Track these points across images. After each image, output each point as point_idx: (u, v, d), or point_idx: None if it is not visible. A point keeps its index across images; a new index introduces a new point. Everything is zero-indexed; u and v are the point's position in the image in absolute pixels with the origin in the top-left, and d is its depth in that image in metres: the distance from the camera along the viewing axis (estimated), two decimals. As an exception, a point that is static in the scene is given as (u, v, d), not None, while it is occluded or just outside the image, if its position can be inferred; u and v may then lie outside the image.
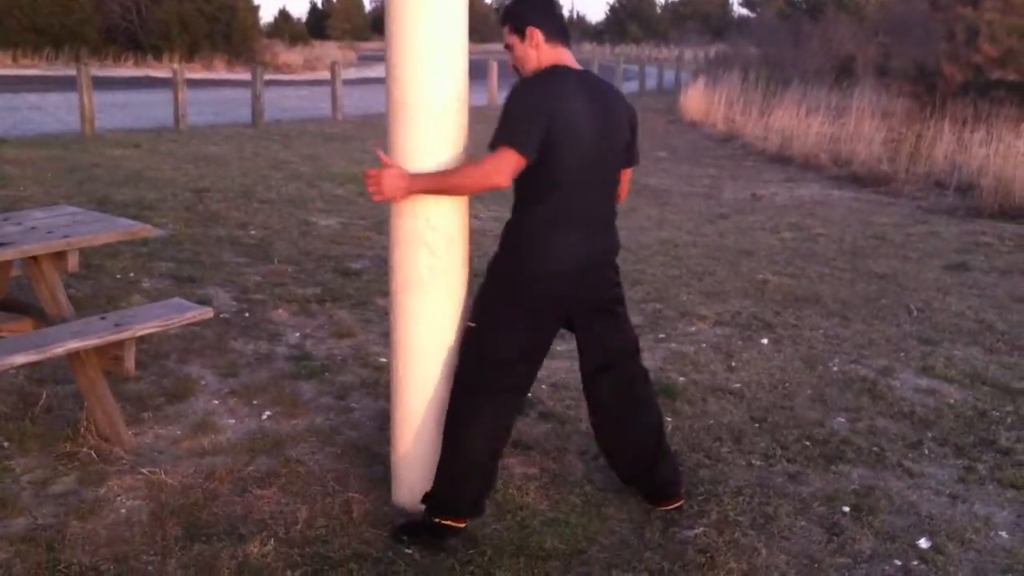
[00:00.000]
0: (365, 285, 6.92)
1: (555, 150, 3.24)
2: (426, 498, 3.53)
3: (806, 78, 22.79)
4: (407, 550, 3.42)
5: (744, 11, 77.81)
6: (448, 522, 3.46)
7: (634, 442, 3.77)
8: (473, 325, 3.48)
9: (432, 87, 3.28)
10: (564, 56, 3.42)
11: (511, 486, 3.90)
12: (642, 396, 3.78)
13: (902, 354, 5.80)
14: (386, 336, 5.58)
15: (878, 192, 13.02)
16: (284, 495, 3.80)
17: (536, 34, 3.38)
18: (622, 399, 3.73)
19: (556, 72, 3.35)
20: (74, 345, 3.83)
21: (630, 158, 3.61)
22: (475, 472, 3.48)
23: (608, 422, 3.79)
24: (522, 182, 3.33)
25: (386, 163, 3.32)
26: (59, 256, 4.32)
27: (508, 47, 3.46)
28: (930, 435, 4.63)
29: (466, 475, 3.47)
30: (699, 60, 43.72)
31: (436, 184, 3.28)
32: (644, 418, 3.77)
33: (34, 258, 4.23)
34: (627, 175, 3.70)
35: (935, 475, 4.20)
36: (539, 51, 3.40)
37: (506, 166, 3.20)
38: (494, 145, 3.24)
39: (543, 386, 5.04)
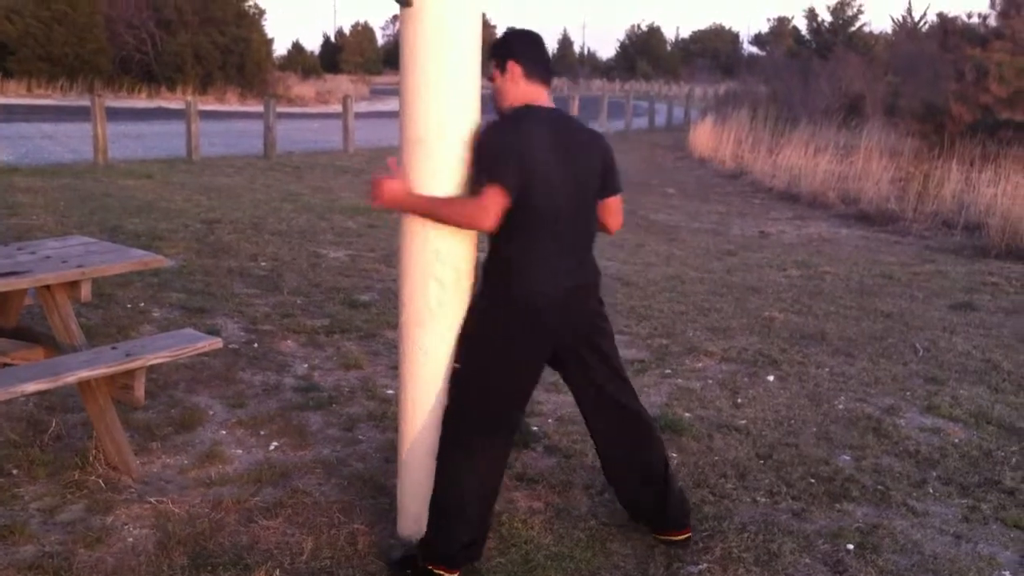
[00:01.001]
0: (373, 317, 6.95)
1: (527, 190, 3.27)
2: (421, 543, 3.53)
3: (815, 116, 22.90)
4: (412, 583, 3.44)
5: (754, 49, 78.19)
6: (439, 571, 3.43)
7: (639, 473, 3.78)
8: (459, 367, 3.48)
9: (446, 124, 3.33)
10: (540, 95, 3.46)
11: (516, 519, 3.92)
12: (641, 428, 3.77)
13: (907, 393, 5.81)
14: (393, 368, 5.62)
15: (885, 231, 13.05)
16: (290, 526, 3.82)
17: (515, 69, 3.43)
18: (621, 431, 3.73)
19: (527, 113, 3.39)
20: (85, 374, 3.87)
21: (609, 188, 3.60)
22: (464, 517, 3.44)
23: (611, 454, 3.79)
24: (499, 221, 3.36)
25: (394, 172, 3.40)
26: (72, 285, 4.36)
27: (491, 79, 3.51)
28: (935, 474, 4.64)
29: (456, 520, 3.44)
30: (708, 97, 43.91)
31: (429, 209, 3.34)
32: (646, 449, 3.77)
33: (47, 287, 4.27)
34: (616, 204, 3.67)
35: (939, 514, 4.21)
36: (516, 86, 3.44)
37: (493, 206, 3.24)
38: (478, 183, 3.28)
39: (549, 420, 5.06)
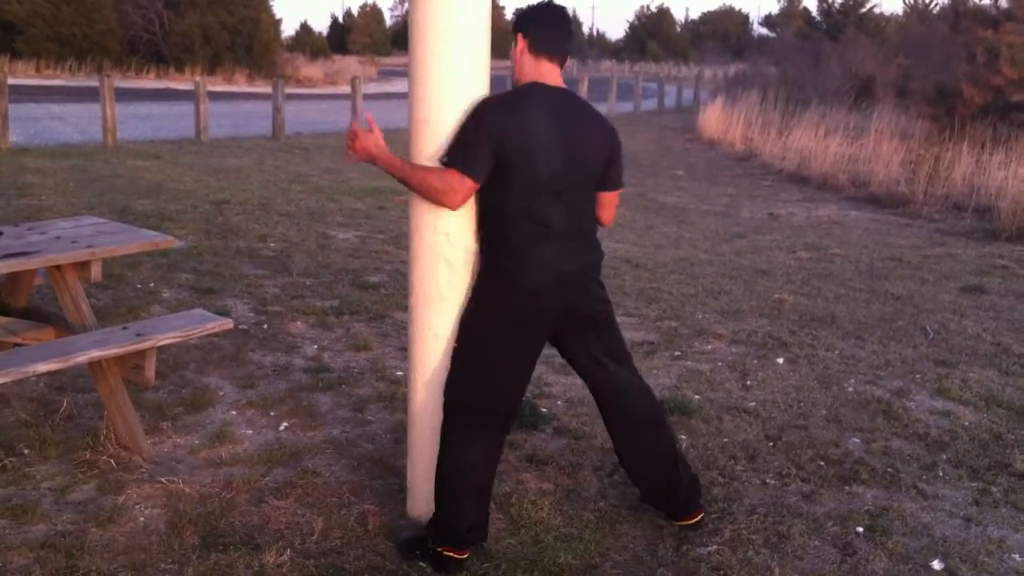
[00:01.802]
0: (382, 299, 6.96)
1: (515, 173, 3.24)
2: (428, 525, 3.54)
3: (825, 98, 22.79)
4: (421, 563, 3.45)
5: (764, 31, 77.82)
6: (449, 553, 3.43)
7: (650, 455, 3.77)
8: (457, 346, 3.48)
9: (454, 106, 3.33)
10: (548, 72, 3.40)
11: (526, 501, 3.92)
12: (645, 409, 3.75)
13: (917, 376, 5.80)
14: (402, 350, 5.63)
15: (896, 213, 13.01)
16: (300, 506, 3.83)
17: (521, 43, 3.40)
18: (626, 413, 3.72)
19: (528, 91, 3.35)
20: (96, 354, 3.88)
21: (610, 182, 3.56)
22: (469, 498, 3.45)
23: (620, 434, 3.79)
24: (488, 203, 3.35)
25: (372, 128, 3.38)
26: (83, 266, 4.36)
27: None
28: (945, 457, 4.64)
29: (461, 501, 3.44)
30: (718, 79, 43.73)
31: (398, 171, 3.34)
32: (653, 429, 3.76)
33: (58, 267, 4.28)
34: (613, 199, 3.62)
35: (949, 497, 4.20)
36: (522, 59, 3.41)
37: (458, 189, 3.24)
38: (448, 162, 3.27)
39: (558, 402, 5.06)
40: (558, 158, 3.31)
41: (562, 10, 3.49)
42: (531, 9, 3.48)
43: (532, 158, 3.25)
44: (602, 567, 3.51)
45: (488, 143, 3.22)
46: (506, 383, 3.48)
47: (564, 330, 3.56)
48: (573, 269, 3.45)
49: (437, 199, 3.28)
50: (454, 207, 3.29)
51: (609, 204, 3.63)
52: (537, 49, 3.40)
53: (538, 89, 3.36)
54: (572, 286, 3.46)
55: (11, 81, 14.82)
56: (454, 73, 3.32)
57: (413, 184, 3.32)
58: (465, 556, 3.46)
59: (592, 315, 3.59)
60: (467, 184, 3.24)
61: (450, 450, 3.46)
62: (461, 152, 3.26)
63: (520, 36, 3.40)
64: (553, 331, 3.54)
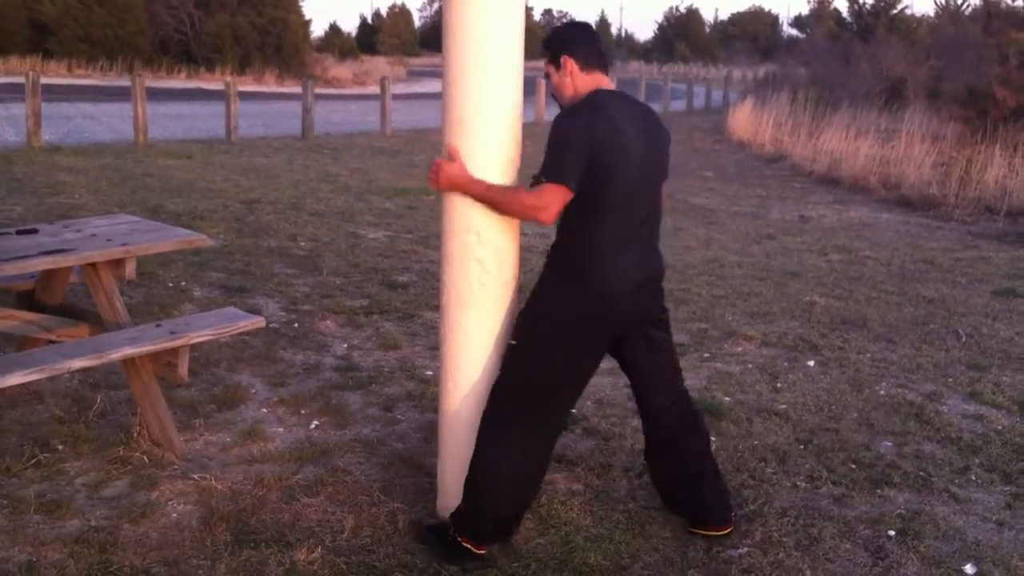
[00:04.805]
0: (412, 298, 6.97)
1: (607, 173, 3.25)
2: (453, 515, 3.54)
3: (855, 100, 22.62)
4: (435, 547, 3.49)
5: (793, 31, 77.25)
6: (468, 545, 3.44)
7: (684, 462, 3.76)
8: (515, 343, 3.46)
9: (488, 107, 3.34)
10: (601, 82, 3.44)
11: (555, 501, 3.92)
12: (694, 418, 3.78)
13: (950, 379, 5.76)
14: (432, 349, 5.64)
15: (927, 216, 12.91)
16: (331, 504, 3.85)
17: (570, 63, 3.41)
18: (679, 421, 3.71)
19: (598, 98, 3.35)
20: (130, 351, 3.91)
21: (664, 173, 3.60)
22: (500, 495, 3.45)
23: (662, 444, 3.77)
24: (578, 203, 3.31)
25: (454, 157, 3.38)
26: (117, 264, 4.39)
27: (546, 75, 3.50)
28: (977, 461, 4.60)
29: (490, 497, 3.44)
30: (747, 80, 43.52)
31: (487, 196, 3.34)
32: (695, 440, 3.75)
33: (92, 265, 4.31)
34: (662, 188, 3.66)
35: (982, 501, 4.17)
36: (574, 79, 3.42)
37: (553, 203, 3.24)
38: (544, 178, 3.27)
39: (588, 402, 5.06)
40: (641, 155, 3.33)
41: (588, 24, 3.59)
42: (565, 30, 3.55)
43: (625, 156, 3.27)
44: (632, 568, 3.51)
45: (580, 149, 3.22)
46: (564, 386, 3.48)
47: (628, 337, 3.57)
48: (648, 276, 3.47)
49: (531, 216, 3.29)
50: (549, 222, 3.29)
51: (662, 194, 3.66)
52: (588, 65, 3.42)
53: (607, 94, 3.38)
54: (646, 293, 3.48)
55: (43, 80, 14.95)
56: (488, 73, 3.32)
57: (503, 205, 3.34)
58: (483, 552, 3.46)
59: (655, 323, 3.61)
60: (562, 195, 3.25)
61: (490, 443, 3.44)
62: (557, 165, 3.25)
63: (566, 58, 3.41)
64: (618, 336, 3.54)
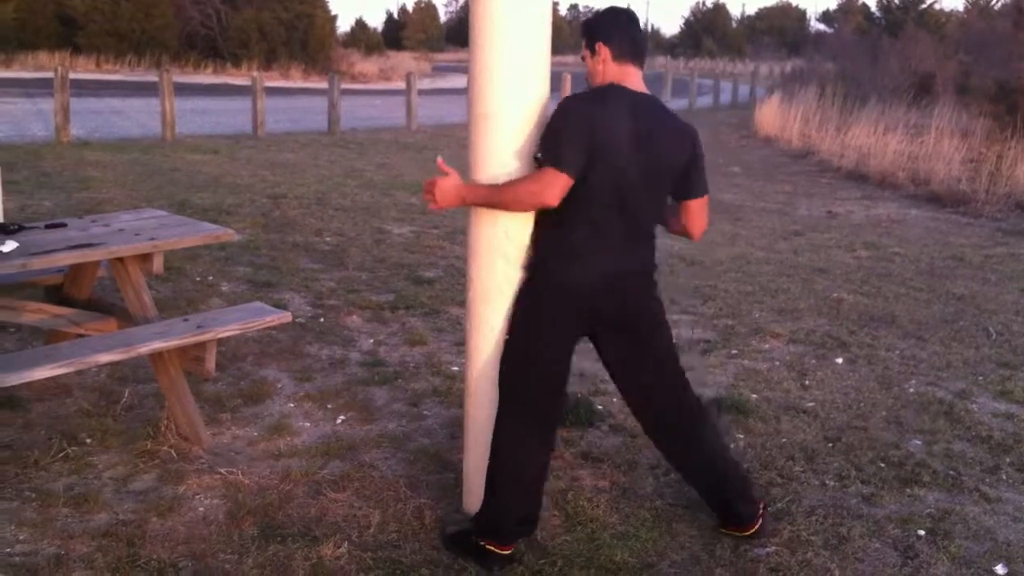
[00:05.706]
0: (438, 294, 6.97)
1: (589, 170, 3.19)
2: (474, 518, 3.53)
3: (884, 95, 22.45)
4: (463, 559, 3.45)
5: (821, 26, 76.82)
6: (491, 547, 3.42)
7: (692, 468, 3.73)
8: (506, 340, 3.46)
9: (515, 101, 3.32)
10: (629, 76, 3.36)
11: (581, 498, 3.91)
12: (685, 425, 3.67)
13: (980, 377, 5.70)
14: (458, 345, 5.64)
15: (957, 212, 12.79)
16: (357, 499, 3.85)
17: (604, 51, 3.35)
18: (665, 427, 3.67)
19: (607, 92, 3.30)
20: (158, 345, 3.93)
21: (693, 189, 3.50)
22: (516, 493, 3.44)
23: (665, 454, 3.77)
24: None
25: (445, 172, 3.35)
26: (145, 258, 4.41)
27: (583, 59, 3.45)
28: (1008, 460, 4.55)
29: (507, 496, 3.44)
30: (774, 75, 43.30)
31: (488, 198, 3.31)
32: (697, 447, 3.68)
33: (120, 259, 4.33)
34: (699, 206, 3.56)
35: (1013, 500, 4.13)
36: (605, 68, 3.36)
37: (554, 186, 3.16)
38: (542, 164, 3.23)
39: (614, 399, 5.03)
40: (633, 159, 3.24)
41: (633, 13, 3.44)
42: (606, 17, 3.42)
43: (607, 155, 3.20)
44: (659, 566, 3.49)
45: (582, 136, 3.17)
46: (541, 377, 3.43)
47: (601, 331, 3.49)
48: (618, 272, 3.37)
49: (535, 201, 3.22)
50: (554, 202, 3.19)
51: (697, 213, 3.56)
52: (621, 56, 3.35)
53: (618, 90, 3.32)
54: (617, 290, 3.39)
55: (72, 75, 15.04)
56: (515, 68, 3.30)
57: (503, 201, 3.28)
58: (508, 552, 3.44)
59: (636, 321, 3.50)
60: (562, 180, 3.16)
61: (500, 442, 3.45)
62: (556, 149, 3.20)
63: (600, 45, 3.35)
64: (589, 329, 3.47)
